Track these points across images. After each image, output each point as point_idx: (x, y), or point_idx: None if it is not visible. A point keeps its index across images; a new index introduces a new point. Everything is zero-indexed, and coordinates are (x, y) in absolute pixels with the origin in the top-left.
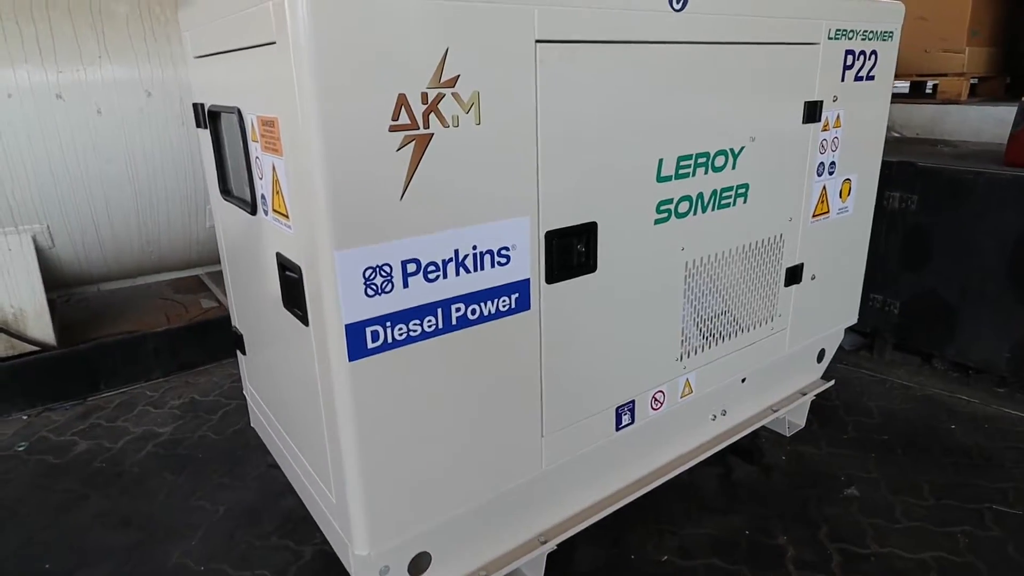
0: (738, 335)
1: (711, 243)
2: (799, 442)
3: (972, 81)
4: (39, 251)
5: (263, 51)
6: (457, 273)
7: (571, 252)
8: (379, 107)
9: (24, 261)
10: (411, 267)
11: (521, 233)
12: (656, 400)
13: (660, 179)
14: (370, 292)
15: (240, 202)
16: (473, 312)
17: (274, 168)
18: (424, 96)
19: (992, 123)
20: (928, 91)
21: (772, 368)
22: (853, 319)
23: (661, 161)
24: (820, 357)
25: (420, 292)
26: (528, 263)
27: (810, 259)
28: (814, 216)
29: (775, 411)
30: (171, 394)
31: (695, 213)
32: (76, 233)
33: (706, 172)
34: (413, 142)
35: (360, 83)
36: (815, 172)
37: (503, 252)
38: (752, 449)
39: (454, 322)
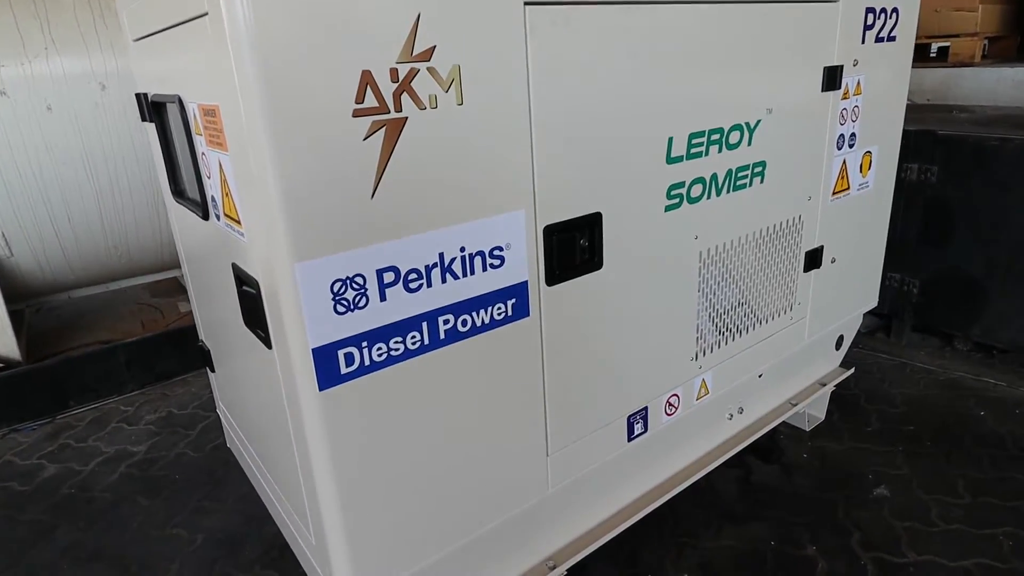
0: (756, 328)
1: (727, 229)
2: (820, 437)
3: (984, 41)
4: None
5: (197, 25)
6: (443, 280)
7: (573, 248)
8: (339, 88)
9: None
10: (388, 276)
11: (516, 229)
12: (670, 405)
13: (670, 160)
14: (340, 309)
15: (192, 204)
16: (464, 324)
17: (221, 166)
18: (394, 73)
19: (1009, 85)
20: (933, 54)
21: (789, 359)
22: (873, 302)
23: (671, 140)
24: (839, 344)
25: (401, 305)
26: (525, 263)
27: (830, 241)
28: (834, 194)
29: (794, 405)
30: (146, 408)
31: (709, 197)
32: (35, 240)
33: (720, 150)
34: (383, 128)
35: (313, 59)
36: (835, 145)
37: (496, 253)
38: (771, 447)
39: (442, 336)
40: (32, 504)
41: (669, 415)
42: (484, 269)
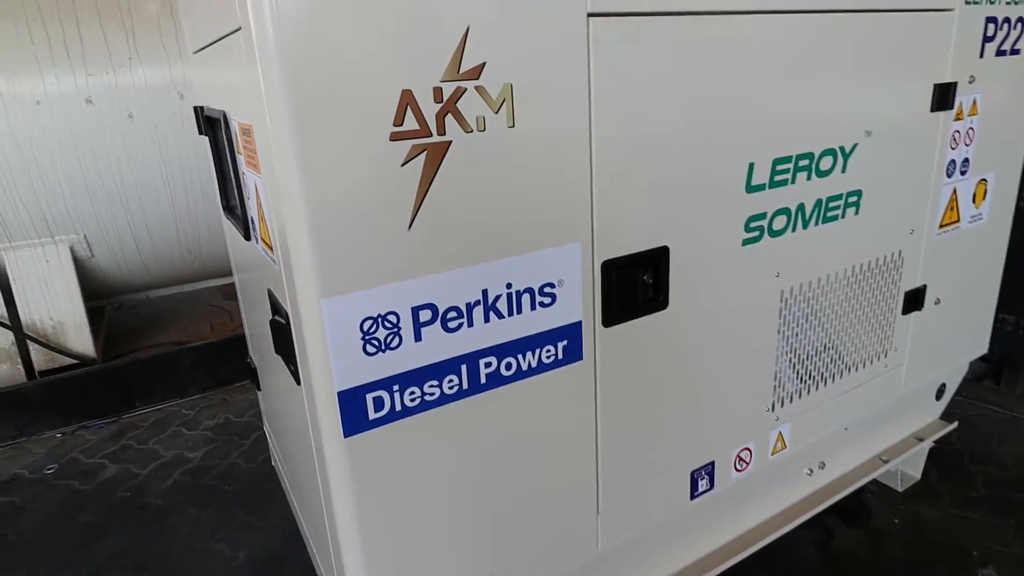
0: (844, 376)
1: (814, 266)
2: (915, 500)
3: None
4: (78, 261)
5: (234, 40)
6: (486, 319)
7: (635, 285)
8: (376, 109)
9: (62, 272)
10: (425, 315)
11: (570, 264)
12: (741, 460)
13: (751, 189)
14: (371, 349)
15: (237, 222)
16: (508, 367)
17: (256, 188)
18: (437, 92)
19: None
20: None
21: (881, 409)
22: (983, 348)
23: (752, 166)
24: (940, 394)
25: (438, 345)
26: (579, 302)
27: (934, 279)
28: (941, 227)
29: (885, 461)
30: (206, 413)
31: (794, 229)
32: (114, 242)
33: (809, 177)
34: (424, 153)
35: (348, 78)
36: (944, 172)
37: (546, 290)
38: (857, 508)
39: (483, 381)
40: (89, 505)
41: (739, 471)
42: (533, 308)
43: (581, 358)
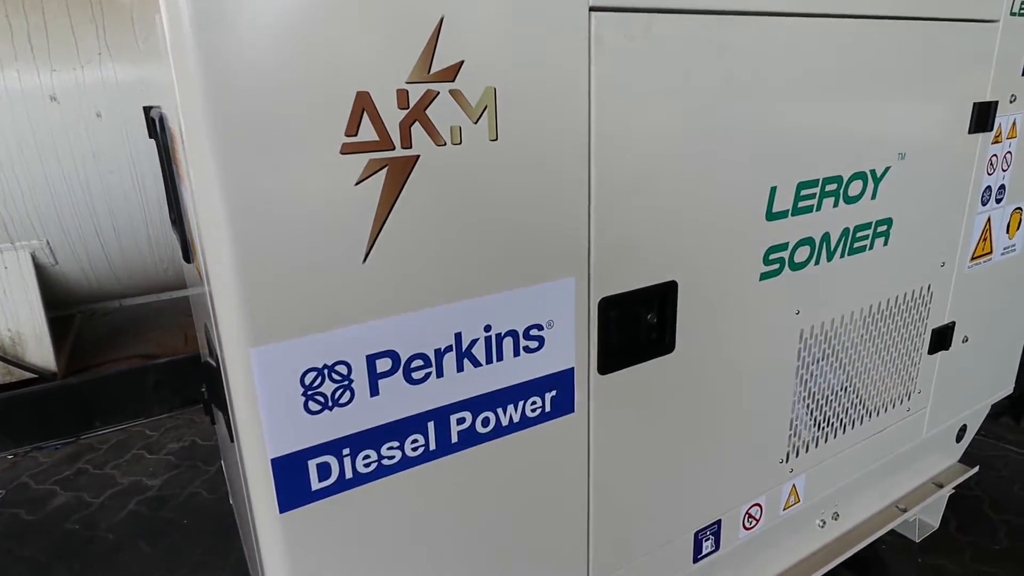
0: (864, 421)
1: (837, 303)
2: (934, 551)
3: None
4: (40, 269)
5: (159, 23)
6: (459, 368)
7: (637, 326)
8: (324, 113)
9: (22, 280)
10: (383, 364)
11: (562, 302)
12: (751, 517)
13: (771, 216)
14: (314, 406)
15: (179, 239)
16: (485, 423)
17: (186, 202)
18: (403, 96)
19: None
20: None
21: (900, 454)
22: (1009, 387)
23: (774, 191)
24: (960, 435)
25: (399, 400)
26: (572, 346)
27: (963, 316)
28: (972, 259)
29: (903, 510)
30: (171, 435)
31: (817, 262)
32: (79, 249)
33: (836, 204)
34: (384, 170)
35: (288, 72)
36: (979, 200)
37: (533, 333)
38: (871, 560)
39: (455, 440)
40: (35, 537)
41: (748, 528)
42: (516, 354)
43: (572, 411)
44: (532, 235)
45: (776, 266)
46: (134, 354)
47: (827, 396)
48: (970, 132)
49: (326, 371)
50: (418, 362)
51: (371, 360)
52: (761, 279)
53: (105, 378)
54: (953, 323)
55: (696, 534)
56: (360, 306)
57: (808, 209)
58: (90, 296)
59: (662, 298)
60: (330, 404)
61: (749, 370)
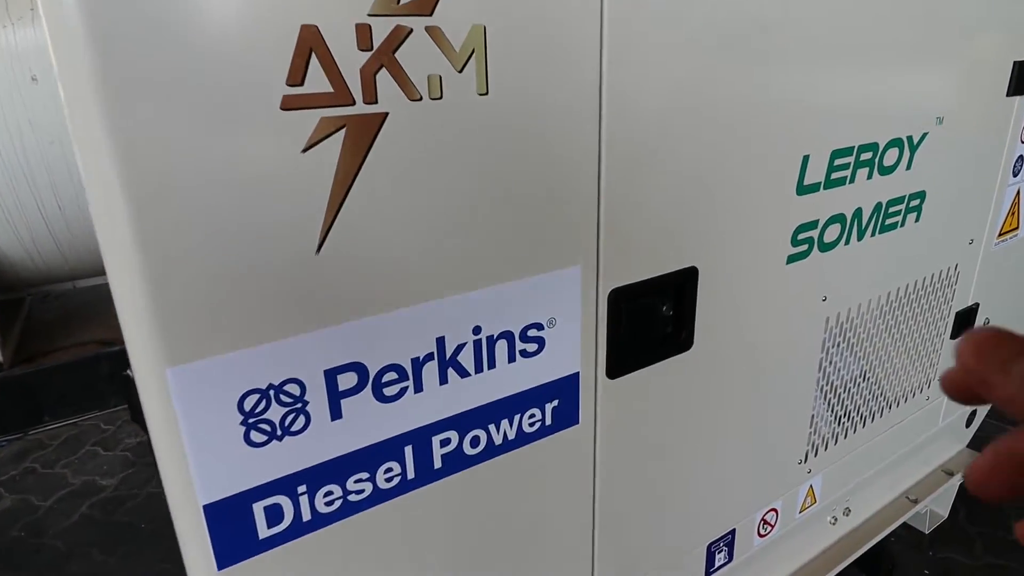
0: (884, 413)
1: (865, 286)
2: (945, 544)
3: None
4: None
5: None
6: (443, 380)
7: (652, 321)
8: (255, 54)
9: None
10: (347, 380)
11: (566, 296)
12: (766, 523)
13: (802, 190)
14: (258, 437)
15: None
16: (475, 443)
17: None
18: (364, 33)
19: None
20: None
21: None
22: None
23: (806, 160)
24: (970, 420)
25: (368, 422)
26: (577, 347)
27: (986, 297)
28: (1000, 236)
29: (914, 501)
30: (128, 429)
31: (847, 242)
32: (21, 227)
33: (870, 175)
34: (341, 131)
35: (199, 3)
36: (1011, 171)
37: (531, 334)
38: (880, 556)
39: (437, 465)
40: None
41: (762, 536)
42: (511, 359)
43: (577, 422)
44: (530, 215)
45: (805, 247)
46: (89, 340)
47: (848, 388)
48: (1008, 94)
49: (272, 393)
50: (391, 375)
51: (331, 376)
52: (788, 262)
53: (54, 368)
54: (977, 305)
55: (709, 547)
56: (314, 309)
57: (841, 181)
58: (39, 278)
59: (680, 288)
60: (279, 433)
61: (771, 365)
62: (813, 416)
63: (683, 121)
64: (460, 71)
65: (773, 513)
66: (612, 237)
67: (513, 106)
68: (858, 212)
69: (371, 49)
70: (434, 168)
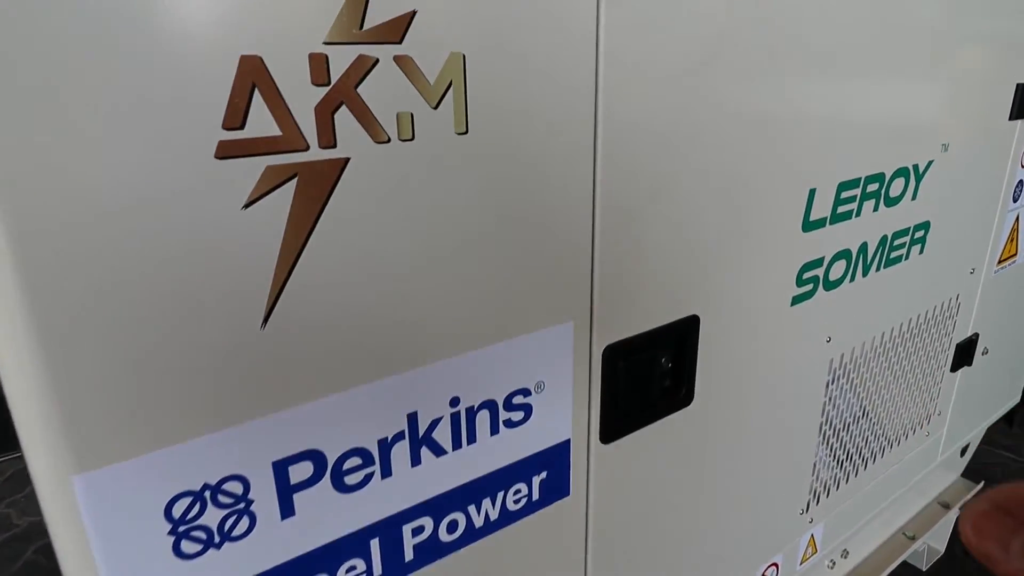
0: (885, 453)
1: (868, 324)
2: None
3: None
4: None
5: None
6: (415, 461)
7: (650, 377)
8: (181, 92)
9: None
10: (301, 471)
11: (557, 356)
12: None
13: (808, 226)
14: (191, 547)
15: None
16: (452, 528)
17: None
18: (319, 65)
19: None
20: None
21: None
22: (1016, 397)
23: (813, 194)
24: (964, 450)
25: (327, 517)
26: (568, 411)
27: (986, 326)
28: (999, 262)
29: (911, 538)
30: None
31: (852, 278)
32: None
33: (876, 207)
34: (291, 181)
35: (113, 18)
36: (1011, 196)
37: (517, 401)
38: None
39: (409, 557)
40: None
41: None
42: (494, 431)
43: (567, 493)
44: (516, 269)
45: (810, 286)
46: None
47: (850, 429)
48: (1011, 118)
49: (209, 494)
50: (354, 461)
51: (281, 468)
52: (793, 304)
53: None
54: (977, 335)
55: None
56: (260, 393)
57: (847, 215)
58: None
59: (681, 339)
60: (217, 540)
61: (774, 413)
62: (815, 463)
63: (684, 156)
64: (435, 107)
65: (774, 568)
66: (607, 289)
67: (497, 147)
68: (863, 247)
69: (328, 83)
70: (404, 221)
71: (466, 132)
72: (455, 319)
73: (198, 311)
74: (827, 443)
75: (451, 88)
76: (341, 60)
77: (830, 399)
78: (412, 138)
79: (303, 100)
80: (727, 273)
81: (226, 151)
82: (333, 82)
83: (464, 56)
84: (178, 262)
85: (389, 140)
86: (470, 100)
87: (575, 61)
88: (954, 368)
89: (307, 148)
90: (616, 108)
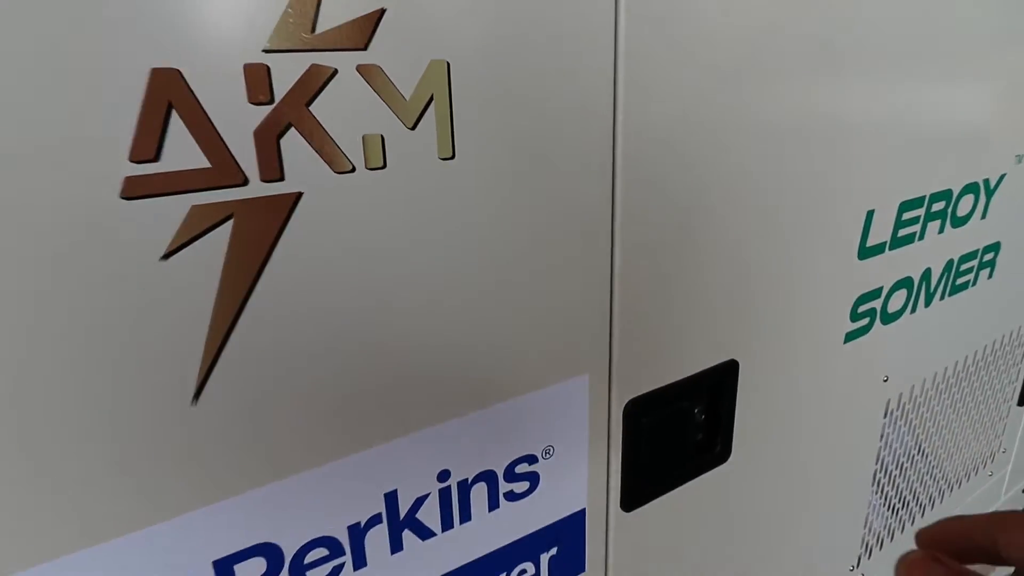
0: (944, 498)
1: (930, 359)
2: None
3: None
4: None
5: None
6: (396, 547)
7: (681, 433)
8: (78, 119)
9: None
10: (250, 569)
11: (568, 416)
12: None
13: (865, 252)
14: None
15: None
16: None
17: None
18: (258, 77)
19: None
20: None
21: None
22: None
23: (871, 216)
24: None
25: None
26: (583, 478)
27: None
28: None
29: None
30: None
31: (913, 309)
32: None
33: (941, 229)
34: (226, 224)
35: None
36: None
37: (521, 470)
38: None
39: None
40: None
41: None
42: (494, 506)
43: (583, 570)
44: (516, 318)
45: (866, 321)
46: None
47: (907, 474)
48: None
49: None
50: (318, 552)
51: (224, 568)
52: (846, 340)
53: None
54: None
55: None
56: (196, 480)
57: (909, 239)
58: None
59: (716, 387)
60: None
61: (822, 464)
62: (867, 513)
63: (720, 183)
64: (412, 127)
65: None
66: (629, 335)
67: (490, 174)
68: (927, 273)
69: (270, 101)
70: (374, 267)
71: (452, 157)
72: (441, 380)
73: (113, 387)
74: (881, 491)
75: (432, 103)
76: (287, 72)
77: (885, 443)
78: (383, 166)
79: (238, 123)
80: (771, 310)
81: (136, 189)
82: (277, 100)
83: (448, 64)
84: (80, 328)
85: (353, 169)
86: (457, 118)
87: (588, 66)
88: (1021, 402)
89: (245, 182)
90: (640, 119)
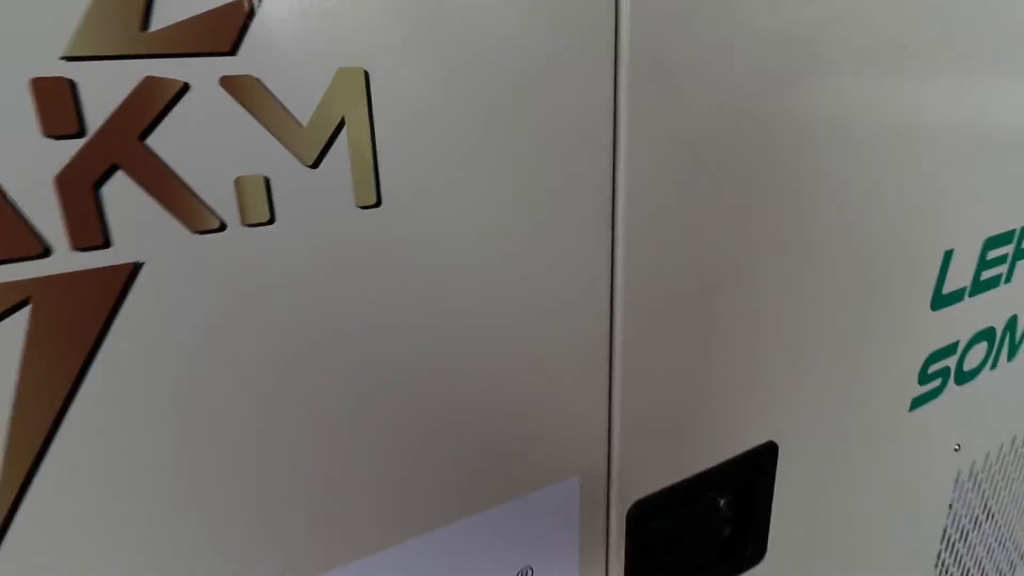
0: (1015, 573)
1: (1009, 421)
2: None
3: None
4: None
5: None
6: None
7: (703, 533)
8: None
9: None
10: None
11: (550, 530)
12: None
13: (940, 302)
14: None
15: None
16: None
17: None
18: (59, 100)
19: None
20: None
21: None
22: None
23: (949, 256)
24: None
25: None
26: None
27: None
28: None
29: None
30: None
31: (993, 365)
32: None
33: None
34: (21, 311)
35: None
36: None
37: None
38: None
39: None
40: None
41: None
42: None
43: None
44: (476, 414)
45: (937, 382)
46: None
47: (975, 553)
48: None
49: None
50: None
51: None
52: (912, 407)
53: None
54: None
55: None
56: None
57: (994, 282)
58: None
59: (749, 476)
60: None
61: (878, 552)
62: None
63: (756, 225)
64: (314, 165)
65: None
66: (634, 426)
67: (433, 224)
68: (1012, 322)
69: (79, 133)
70: (262, 361)
71: (377, 204)
72: (372, 500)
73: None
74: (946, 571)
75: (344, 130)
76: (107, 89)
77: (953, 519)
78: (270, 220)
79: (28, 167)
80: (821, 380)
81: None
82: (92, 131)
83: (367, 74)
84: None
85: (222, 227)
86: (382, 149)
87: (583, 67)
88: None
89: (45, 252)
90: (643, 126)
